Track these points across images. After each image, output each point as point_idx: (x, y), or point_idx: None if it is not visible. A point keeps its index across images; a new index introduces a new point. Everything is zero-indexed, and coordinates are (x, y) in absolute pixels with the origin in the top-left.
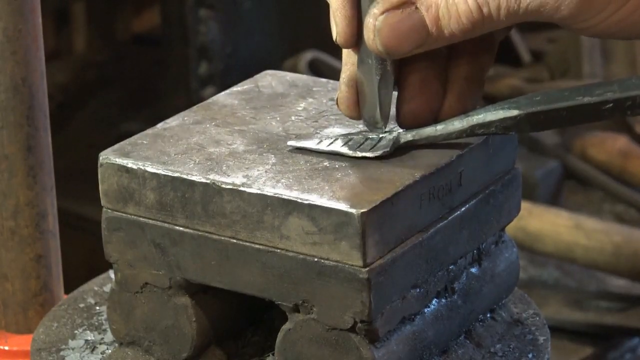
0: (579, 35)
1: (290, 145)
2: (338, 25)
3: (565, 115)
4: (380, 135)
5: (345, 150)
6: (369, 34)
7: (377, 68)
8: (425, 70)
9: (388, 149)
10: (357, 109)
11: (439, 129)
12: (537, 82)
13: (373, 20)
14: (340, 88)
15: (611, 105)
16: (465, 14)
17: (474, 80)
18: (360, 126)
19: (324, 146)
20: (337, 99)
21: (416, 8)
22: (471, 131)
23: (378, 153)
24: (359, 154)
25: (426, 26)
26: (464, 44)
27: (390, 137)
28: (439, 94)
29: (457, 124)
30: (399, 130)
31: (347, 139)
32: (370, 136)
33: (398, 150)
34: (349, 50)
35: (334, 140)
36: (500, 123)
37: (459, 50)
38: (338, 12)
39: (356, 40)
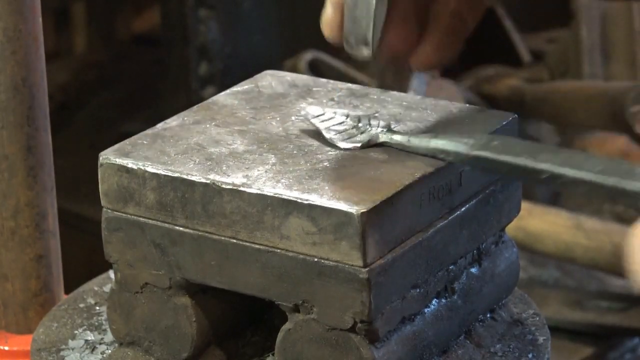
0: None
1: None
2: None
3: (506, 170)
4: (364, 128)
5: (327, 133)
6: None
7: None
8: (408, 7)
9: (359, 145)
10: (340, 32)
11: (410, 141)
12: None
13: None
14: (326, 9)
15: (546, 175)
16: None
17: (454, 34)
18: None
19: (317, 120)
20: (321, 20)
21: None
22: (433, 154)
23: (348, 146)
24: (334, 142)
25: None
26: None
27: (370, 133)
28: (415, 35)
29: (423, 143)
30: (379, 130)
31: (343, 122)
32: (359, 126)
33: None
34: None
35: (332, 119)
36: (456, 156)
37: (445, 1)
38: None
39: None
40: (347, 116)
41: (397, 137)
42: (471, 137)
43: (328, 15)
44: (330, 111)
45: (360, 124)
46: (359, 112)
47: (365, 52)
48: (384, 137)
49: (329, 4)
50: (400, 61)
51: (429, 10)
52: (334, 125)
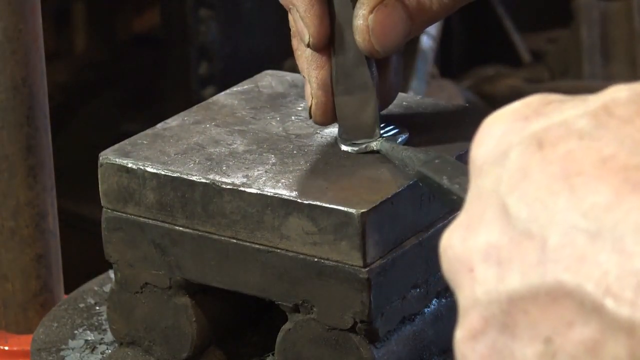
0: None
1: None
2: (310, 27)
3: (436, 188)
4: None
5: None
6: (363, 36)
7: (372, 72)
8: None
9: (356, 149)
10: (333, 114)
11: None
12: (537, 82)
13: (364, 21)
14: (315, 94)
15: (455, 198)
16: None
17: (398, 67)
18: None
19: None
20: (310, 107)
21: None
22: (403, 165)
23: (346, 149)
24: (339, 142)
25: (410, 14)
26: None
27: (370, 142)
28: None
29: (397, 152)
30: (379, 139)
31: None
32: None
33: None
34: (313, 54)
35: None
36: (410, 169)
37: None
38: (308, 13)
39: (328, 41)
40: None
41: (385, 145)
42: (426, 153)
43: (319, 100)
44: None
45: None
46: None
47: (374, 130)
48: (379, 146)
49: (316, 89)
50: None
51: None
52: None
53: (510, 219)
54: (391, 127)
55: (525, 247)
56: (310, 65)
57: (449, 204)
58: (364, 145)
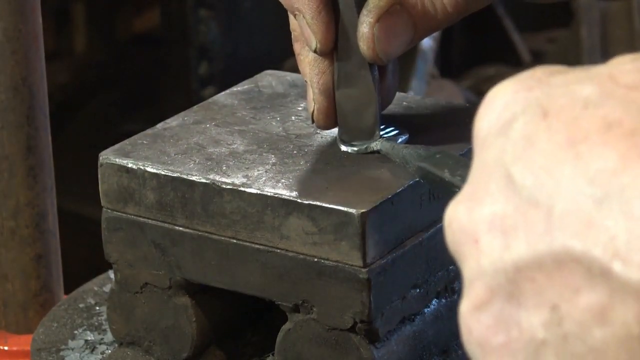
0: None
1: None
2: (317, 33)
3: (438, 182)
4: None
5: (339, 134)
6: (368, 44)
7: (373, 76)
8: None
9: (356, 149)
10: (335, 118)
11: (395, 148)
12: None
13: (370, 29)
14: (317, 99)
15: (457, 190)
16: (450, 3)
17: (395, 70)
18: None
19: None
20: (312, 112)
21: (400, 5)
22: (403, 163)
23: (346, 149)
24: (339, 142)
25: (415, 22)
26: None
27: (370, 142)
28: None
29: (397, 150)
30: (379, 139)
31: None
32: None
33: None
34: (316, 58)
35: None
36: (411, 166)
37: None
38: (316, 20)
39: (333, 47)
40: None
41: (386, 144)
42: (426, 149)
43: (321, 105)
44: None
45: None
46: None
47: (374, 133)
48: (379, 146)
49: (318, 94)
50: None
51: None
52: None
53: (515, 187)
54: (391, 127)
55: (531, 215)
56: (312, 70)
57: (451, 197)
58: (364, 146)
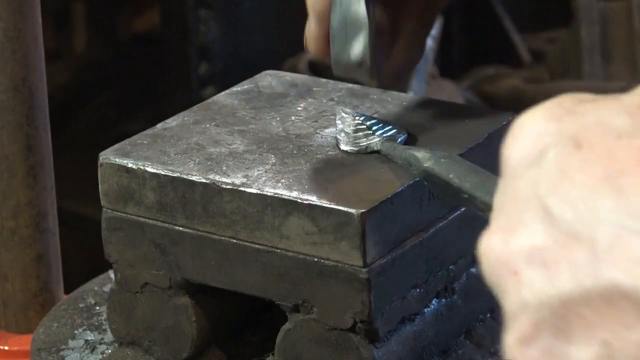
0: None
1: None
2: None
3: (444, 186)
4: (365, 134)
5: (338, 134)
6: None
7: (370, 8)
8: (380, 25)
9: (356, 149)
10: (328, 47)
11: (395, 149)
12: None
13: None
14: (310, 25)
15: (466, 196)
16: None
17: (419, 34)
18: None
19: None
20: (306, 32)
21: None
22: (406, 164)
23: (347, 148)
24: (339, 143)
25: None
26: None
27: (370, 140)
28: (388, 45)
29: (399, 151)
30: (377, 138)
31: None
32: (366, 132)
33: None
34: None
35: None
36: (415, 168)
37: (407, 9)
38: None
39: None
40: (368, 120)
41: (386, 145)
42: (430, 151)
43: (312, 30)
44: (359, 116)
45: (369, 130)
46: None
47: (364, 76)
48: (379, 146)
49: (312, 17)
50: (393, 79)
51: (397, 23)
52: (350, 127)
53: (553, 220)
54: (389, 127)
55: (573, 249)
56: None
57: (458, 203)
58: (364, 146)
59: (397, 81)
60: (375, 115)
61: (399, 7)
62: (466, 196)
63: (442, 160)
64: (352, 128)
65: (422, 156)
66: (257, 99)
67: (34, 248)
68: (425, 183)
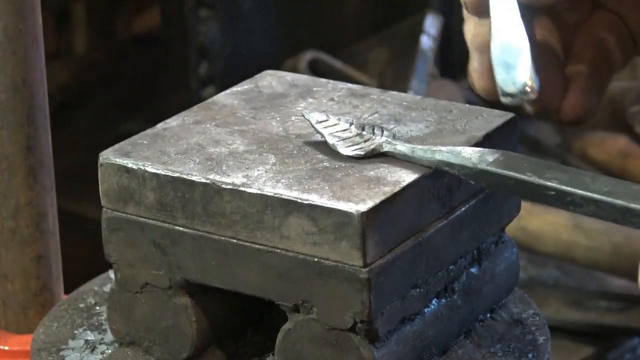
0: None
1: (303, 111)
2: None
3: (512, 185)
4: (367, 137)
5: (330, 139)
6: None
7: (527, 31)
8: (552, 46)
9: (363, 153)
10: (491, 79)
11: (415, 152)
12: None
13: None
14: (472, 62)
15: (553, 193)
16: None
17: (600, 72)
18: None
19: (321, 126)
20: (469, 70)
21: None
22: (437, 166)
23: (351, 153)
24: (337, 148)
25: None
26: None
27: (374, 142)
28: (561, 79)
29: (427, 154)
30: (383, 140)
31: (347, 130)
32: (362, 134)
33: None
34: (477, 19)
35: (336, 125)
36: (460, 169)
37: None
38: None
39: (484, 6)
40: (352, 124)
41: (401, 148)
42: (476, 151)
43: (475, 66)
44: (335, 118)
45: (364, 132)
46: (363, 120)
47: (528, 90)
48: (387, 147)
49: (473, 53)
50: (550, 110)
51: (572, 49)
52: (337, 131)
53: None
54: (382, 129)
55: None
56: (470, 32)
57: (535, 199)
58: (370, 148)
59: (577, 124)
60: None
61: (569, 26)
62: (553, 193)
63: (500, 158)
64: (341, 132)
65: (470, 159)
66: (257, 99)
67: (34, 248)
68: (483, 185)
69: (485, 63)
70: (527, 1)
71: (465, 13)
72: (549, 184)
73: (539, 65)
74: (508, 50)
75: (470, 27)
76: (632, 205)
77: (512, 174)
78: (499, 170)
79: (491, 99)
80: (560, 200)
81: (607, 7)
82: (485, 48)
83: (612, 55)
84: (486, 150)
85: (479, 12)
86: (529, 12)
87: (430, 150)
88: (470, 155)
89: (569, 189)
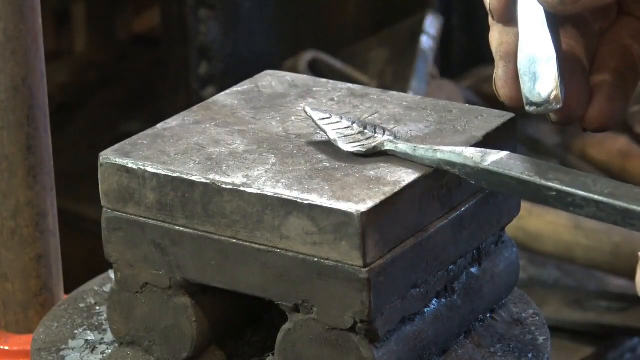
0: None
1: (305, 108)
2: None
3: (514, 185)
4: (369, 135)
5: (332, 134)
6: None
7: (554, 40)
8: (577, 56)
9: (364, 150)
10: (519, 91)
11: (416, 151)
12: None
13: None
14: (497, 71)
15: (554, 194)
16: None
17: (625, 79)
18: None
19: (323, 123)
20: (494, 78)
21: None
22: (438, 165)
23: (352, 149)
24: (339, 144)
25: None
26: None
27: (376, 141)
28: (586, 88)
29: (429, 153)
30: (385, 138)
31: (349, 127)
32: (364, 132)
33: (377, 155)
34: (500, 29)
35: (338, 123)
36: (462, 168)
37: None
38: None
39: (511, 14)
40: (354, 122)
41: (402, 147)
42: (478, 151)
43: (502, 70)
44: (337, 116)
45: (366, 130)
46: (366, 120)
47: (555, 97)
48: (389, 146)
49: (499, 61)
50: (574, 120)
51: (597, 56)
52: (339, 129)
53: None
54: (383, 128)
55: None
56: (495, 41)
57: (536, 199)
58: (371, 146)
59: (601, 131)
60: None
61: (593, 34)
62: (554, 194)
63: (502, 158)
64: (343, 130)
65: (472, 158)
66: (257, 99)
67: (34, 248)
68: (483, 185)
69: (511, 72)
70: (554, 10)
71: (490, 21)
72: (550, 184)
73: (564, 74)
74: (535, 60)
75: (496, 35)
76: (632, 207)
77: (513, 174)
78: (500, 170)
79: (515, 107)
80: (561, 201)
81: (633, 14)
82: (511, 57)
83: (637, 62)
84: (488, 150)
85: (505, 20)
86: (556, 20)
87: (432, 149)
88: (472, 155)
89: (570, 189)
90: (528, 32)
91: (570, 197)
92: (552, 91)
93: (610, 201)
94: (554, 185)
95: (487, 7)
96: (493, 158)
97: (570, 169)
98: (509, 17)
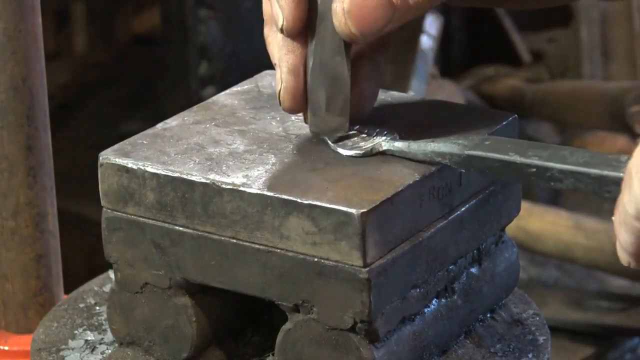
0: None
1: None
2: (285, 9)
3: (498, 167)
4: (367, 137)
5: (329, 139)
6: (339, 19)
7: (347, 59)
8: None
9: (362, 152)
10: (303, 101)
11: (410, 147)
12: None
13: (340, 3)
14: (284, 78)
15: (534, 170)
16: None
17: (372, 78)
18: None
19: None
20: (279, 90)
21: None
22: (431, 157)
23: (350, 153)
24: (336, 149)
25: (391, 1)
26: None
27: (373, 142)
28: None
29: (421, 147)
30: (382, 138)
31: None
32: (362, 134)
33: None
34: (285, 39)
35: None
36: (451, 157)
37: (359, 54)
38: None
39: (303, 27)
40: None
41: (398, 145)
42: (465, 139)
43: (289, 84)
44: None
45: (363, 134)
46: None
47: (343, 122)
48: (386, 146)
49: (284, 71)
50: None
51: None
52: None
53: None
54: (383, 129)
55: None
56: (281, 50)
57: (521, 179)
58: (369, 148)
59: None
60: None
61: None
62: (534, 170)
63: (485, 143)
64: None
65: (458, 145)
66: (257, 99)
67: (34, 248)
68: (471, 170)
69: (300, 85)
70: (350, 39)
71: (273, 30)
72: (529, 161)
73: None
74: (328, 80)
75: (281, 42)
76: (606, 173)
77: (496, 155)
78: (484, 154)
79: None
80: (542, 176)
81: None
82: (300, 71)
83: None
84: (475, 137)
85: (294, 35)
86: (349, 47)
87: (423, 142)
88: (459, 142)
89: (548, 164)
90: (323, 57)
91: (549, 172)
92: (341, 112)
93: (585, 169)
94: (533, 161)
95: (279, 16)
96: (477, 143)
97: (551, 145)
98: (299, 33)
